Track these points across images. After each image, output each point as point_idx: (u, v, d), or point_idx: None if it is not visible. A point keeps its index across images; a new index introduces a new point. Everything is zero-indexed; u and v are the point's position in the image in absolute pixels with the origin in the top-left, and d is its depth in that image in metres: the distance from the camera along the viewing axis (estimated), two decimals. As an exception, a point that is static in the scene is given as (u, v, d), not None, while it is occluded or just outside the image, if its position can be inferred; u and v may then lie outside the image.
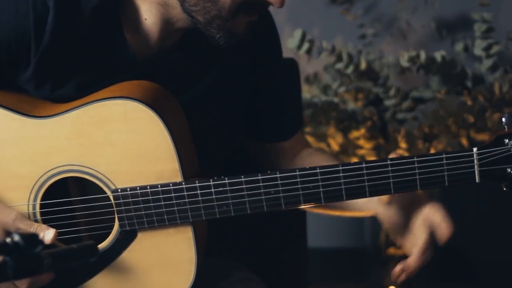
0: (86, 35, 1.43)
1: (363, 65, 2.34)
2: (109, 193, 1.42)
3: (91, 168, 1.42)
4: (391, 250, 2.51)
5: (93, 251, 1.18)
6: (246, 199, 1.40)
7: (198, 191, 1.40)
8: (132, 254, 1.45)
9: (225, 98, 1.56)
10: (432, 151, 2.31)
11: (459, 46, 2.39)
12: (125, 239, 1.44)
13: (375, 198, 1.47)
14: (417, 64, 2.29)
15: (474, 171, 1.37)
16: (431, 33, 2.60)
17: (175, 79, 1.49)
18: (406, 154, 2.28)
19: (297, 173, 1.39)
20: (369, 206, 1.52)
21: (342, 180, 1.38)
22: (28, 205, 1.44)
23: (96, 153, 1.41)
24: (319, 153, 1.68)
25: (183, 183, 1.40)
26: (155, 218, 1.41)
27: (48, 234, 1.36)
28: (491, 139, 1.38)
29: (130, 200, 1.41)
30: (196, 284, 1.45)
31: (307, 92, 2.47)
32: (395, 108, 2.41)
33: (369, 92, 2.44)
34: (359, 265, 2.66)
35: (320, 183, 1.39)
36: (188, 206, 1.41)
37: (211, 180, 1.40)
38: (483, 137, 2.30)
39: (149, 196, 1.41)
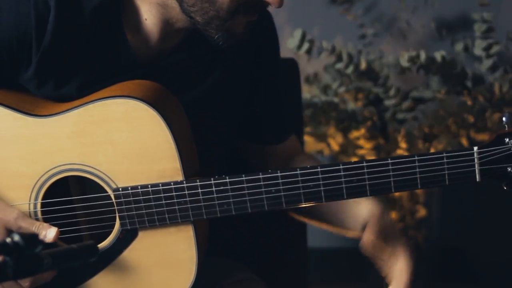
0: (87, 34, 1.43)
1: (363, 65, 2.35)
2: (110, 192, 1.42)
3: (92, 167, 1.42)
4: (391, 250, 2.50)
5: (93, 251, 1.18)
6: (247, 198, 1.40)
7: (199, 190, 1.40)
8: (133, 253, 1.45)
9: (226, 100, 1.57)
10: (432, 151, 2.31)
11: (459, 46, 2.40)
12: (126, 238, 1.44)
13: (360, 221, 1.52)
14: (417, 64, 2.29)
15: (474, 170, 1.37)
16: (431, 33, 2.61)
17: (176, 80, 1.49)
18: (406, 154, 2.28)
19: (298, 172, 1.39)
20: (354, 227, 1.56)
21: (343, 179, 1.39)
22: (29, 204, 1.45)
23: (97, 152, 1.41)
24: (312, 161, 1.68)
25: (184, 182, 1.40)
26: (156, 217, 1.42)
27: (50, 233, 1.36)
28: (491, 138, 1.38)
29: (131, 199, 1.41)
30: (197, 284, 1.45)
31: (307, 92, 2.47)
32: (395, 108, 2.41)
33: (369, 92, 2.44)
34: (359, 265, 2.66)
35: (321, 182, 1.39)
36: (189, 205, 1.41)
37: (212, 179, 1.40)
38: (483, 137, 2.30)
39: (150, 195, 1.41)
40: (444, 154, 1.37)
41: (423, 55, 2.27)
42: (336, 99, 2.44)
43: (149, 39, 1.47)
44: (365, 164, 1.38)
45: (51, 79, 1.45)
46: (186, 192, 1.40)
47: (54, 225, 1.39)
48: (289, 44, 2.35)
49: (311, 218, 1.67)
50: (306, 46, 2.33)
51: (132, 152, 1.40)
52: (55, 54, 1.42)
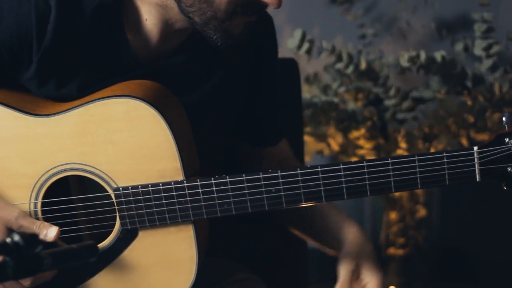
0: (88, 34, 1.43)
1: (363, 65, 2.35)
2: (110, 192, 1.42)
3: (92, 167, 1.42)
4: (391, 250, 2.51)
5: (93, 251, 1.18)
6: (247, 197, 1.40)
7: (200, 190, 1.40)
8: (133, 252, 1.45)
9: (225, 101, 1.57)
10: (432, 151, 2.31)
11: (459, 46, 2.39)
12: (126, 238, 1.44)
13: (340, 246, 1.59)
14: (417, 64, 2.29)
15: (474, 170, 1.37)
16: (431, 33, 2.61)
17: (176, 81, 1.49)
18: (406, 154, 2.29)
19: (298, 171, 1.39)
20: (333, 248, 1.62)
21: (343, 179, 1.39)
22: (29, 203, 1.45)
23: (97, 152, 1.41)
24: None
25: (185, 181, 1.40)
26: (156, 216, 1.42)
27: (51, 232, 1.36)
28: (491, 138, 1.38)
29: (132, 198, 1.41)
30: (197, 284, 1.45)
31: (307, 92, 2.47)
32: (395, 108, 2.41)
33: (369, 92, 2.43)
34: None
35: (321, 182, 1.39)
36: (189, 205, 1.41)
37: (212, 178, 1.40)
38: (483, 137, 2.30)
39: (150, 195, 1.41)
40: (444, 154, 1.37)
41: (423, 55, 2.27)
42: (336, 99, 2.44)
43: (149, 40, 1.47)
44: (365, 164, 1.38)
45: (51, 79, 1.45)
46: (187, 191, 1.40)
47: (54, 224, 1.39)
48: (289, 44, 2.35)
49: (300, 231, 1.72)
50: (306, 46, 2.33)
51: (132, 152, 1.40)
52: (56, 54, 1.42)
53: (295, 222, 1.71)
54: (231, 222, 1.56)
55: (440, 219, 2.53)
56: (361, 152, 2.43)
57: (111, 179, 1.42)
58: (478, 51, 2.32)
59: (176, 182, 1.40)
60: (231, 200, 1.40)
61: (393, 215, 2.48)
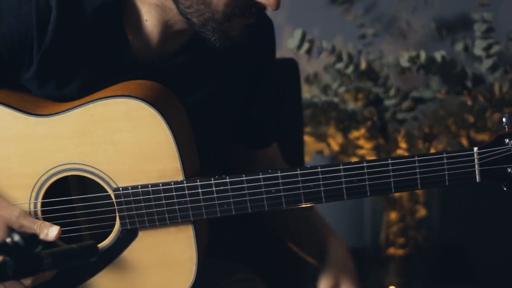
0: (88, 35, 1.43)
1: (363, 65, 2.34)
2: (110, 192, 1.42)
3: (92, 167, 1.42)
4: (391, 250, 2.51)
5: (93, 251, 1.18)
6: (247, 198, 1.40)
7: (200, 190, 1.40)
8: (133, 253, 1.45)
9: (224, 102, 1.57)
10: (432, 151, 2.31)
11: (459, 46, 2.39)
12: (126, 238, 1.44)
13: (321, 258, 1.65)
14: (417, 64, 2.29)
15: (474, 171, 1.38)
16: (431, 33, 2.60)
17: (176, 82, 1.49)
18: (406, 154, 2.28)
19: (298, 172, 1.39)
20: (315, 258, 1.69)
21: (343, 179, 1.39)
22: (29, 203, 1.45)
23: (97, 152, 1.41)
24: None
25: (185, 181, 1.40)
26: (156, 216, 1.42)
27: (52, 231, 1.37)
28: (491, 139, 1.38)
29: (132, 198, 1.41)
30: (197, 284, 1.45)
31: (307, 92, 2.47)
32: (395, 108, 2.41)
33: (369, 92, 2.43)
34: (359, 265, 2.65)
35: (321, 182, 1.39)
36: (189, 205, 1.41)
37: (212, 179, 1.40)
38: (483, 137, 2.30)
39: (150, 195, 1.41)
40: (444, 155, 1.37)
41: (423, 55, 2.27)
42: (336, 99, 2.44)
43: (150, 41, 1.47)
44: (365, 164, 1.39)
45: (52, 79, 1.45)
46: (186, 192, 1.40)
47: (54, 225, 1.39)
48: (289, 44, 2.35)
49: (285, 237, 1.78)
50: (306, 46, 2.33)
51: (132, 152, 1.40)
52: (56, 54, 1.42)
53: (280, 228, 1.73)
54: (231, 222, 1.56)
55: (440, 219, 2.52)
56: (361, 152, 2.43)
57: (111, 179, 1.42)
58: (478, 51, 2.31)
59: (176, 182, 1.40)
60: (231, 200, 1.41)
61: (393, 215, 2.48)
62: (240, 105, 1.61)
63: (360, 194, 1.40)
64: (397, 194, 2.44)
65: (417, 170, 1.38)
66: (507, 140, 1.37)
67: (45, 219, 1.44)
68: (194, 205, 1.41)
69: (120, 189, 1.42)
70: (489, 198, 2.52)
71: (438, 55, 2.27)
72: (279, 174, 1.40)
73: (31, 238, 1.05)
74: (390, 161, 1.38)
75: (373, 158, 2.37)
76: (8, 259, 1.03)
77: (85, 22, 1.42)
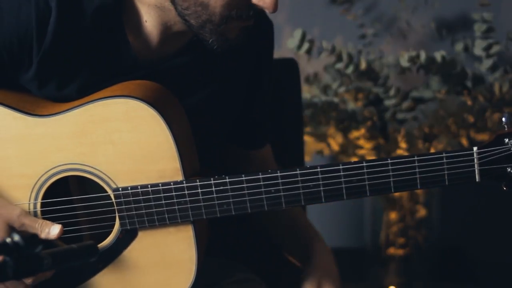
0: (88, 36, 1.43)
1: (363, 65, 2.34)
2: (110, 192, 1.42)
3: (92, 167, 1.42)
4: (391, 250, 2.51)
5: (93, 251, 1.18)
6: (247, 198, 1.40)
7: (199, 190, 1.40)
8: (132, 253, 1.45)
9: (224, 104, 1.57)
10: (432, 151, 2.31)
11: (459, 46, 2.39)
12: (126, 238, 1.44)
13: (307, 261, 1.65)
14: (417, 64, 2.29)
15: (474, 170, 1.38)
16: (431, 33, 2.61)
17: (176, 83, 1.49)
18: (406, 154, 2.28)
19: (298, 172, 1.39)
20: (301, 260, 1.69)
21: (343, 179, 1.39)
22: (29, 204, 1.45)
23: (97, 152, 1.41)
24: None
25: (184, 182, 1.40)
26: (156, 217, 1.42)
27: (53, 229, 1.37)
28: (491, 138, 1.38)
29: (131, 199, 1.41)
30: (197, 284, 1.45)
31: (307, 92, 2.47)
32: (395, 108, 2.41)
33: (369, 92, 2.43)
34: (359, 265, 2.66)
35: (321, 182, 1.39)
36: (189, 205, 1.41)
37: (212, 179, 1.40)
38: (483, 137, 2.30)
39: (150, 195, 1.41)
40: (444, 155, 1.37)
41: (423, 55, 2.27)
42: (336, 99, 2.44)
43: (149, 41, 1.48)
44: (365, 164, 1.39)
45: (52, 80, 1.45)
46: (186, 192, 1.40)
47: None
48: (289, 44, 2.35)
49: (272, 237, 1.77)
50: (306, 46, 2.33)
51: (132, 152, 1.40)
52: (56, 55, 1.42)
53: (267, 229, 1.73)
54: (230, 222, 1.56)
55: (440, 219, 2.52)
56: (361, 152, 2.43)
57: (110, 179, 1.42)
58: (478, 51, 2.32)
59: (175, 183, 1.40)
60: (231, 200, 1.41)
61: (393, 215, 2.48)
62: (239, 106, 1.61)
63: (359, 194, 1.40)
64: (397, 194, 2.44)
65: (417, 170, 1.38)
66: (506, 140, 1.37)
67: (45, 220, 1.44)
68: (193, 205, 1.41)
69: (120, 189, 1.42)
70: (489, 198, 2.52)
71: (438, 55, 2.27)
72: (278, 174, 1.40)
73: (31, 238, 1.06)
74: (389, 161, 1.38)
75: (373, 158, 2.37)
76: (8, 259, 1.03)
77: (85, 23, 1.42)
